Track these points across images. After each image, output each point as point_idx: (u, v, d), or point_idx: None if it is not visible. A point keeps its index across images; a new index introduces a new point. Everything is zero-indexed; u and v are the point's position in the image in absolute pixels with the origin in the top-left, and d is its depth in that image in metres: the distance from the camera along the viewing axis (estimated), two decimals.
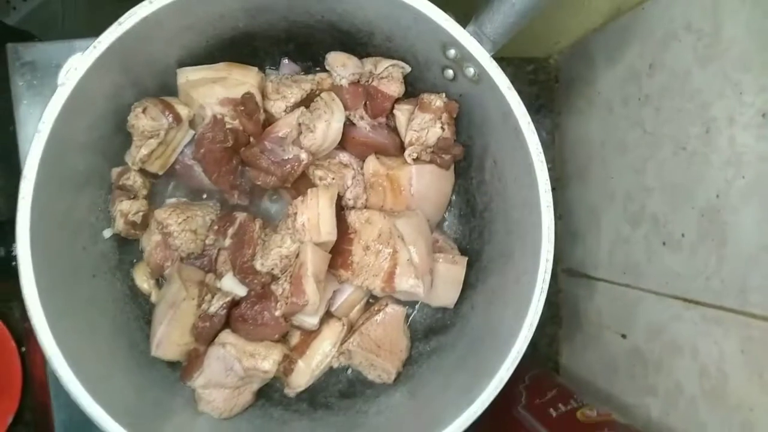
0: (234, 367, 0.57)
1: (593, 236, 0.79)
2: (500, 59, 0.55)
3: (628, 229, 0.71)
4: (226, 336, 0.59)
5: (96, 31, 0.50)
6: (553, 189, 0.87)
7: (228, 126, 0.57)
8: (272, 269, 0.57)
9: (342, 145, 0.62)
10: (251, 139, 0.60)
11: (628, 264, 0.71)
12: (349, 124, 0.60)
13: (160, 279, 0.63)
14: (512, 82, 0.88)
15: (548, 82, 0.88)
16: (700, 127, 0.58)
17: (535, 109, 0.88)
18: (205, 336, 0.58)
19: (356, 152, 0.61)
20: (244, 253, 0.58)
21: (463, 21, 0.52)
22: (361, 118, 0.60)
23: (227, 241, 0.59)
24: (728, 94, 0.54)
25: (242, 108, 0.57)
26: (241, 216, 0.61)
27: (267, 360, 0.58)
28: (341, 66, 0.59)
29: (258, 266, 0.58)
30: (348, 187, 0.61)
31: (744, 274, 0.53)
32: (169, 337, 0.57)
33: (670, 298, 0.63)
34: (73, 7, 1.51)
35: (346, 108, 0.59)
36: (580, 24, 0.79)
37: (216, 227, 0.61)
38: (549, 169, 0.86)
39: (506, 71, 0.87)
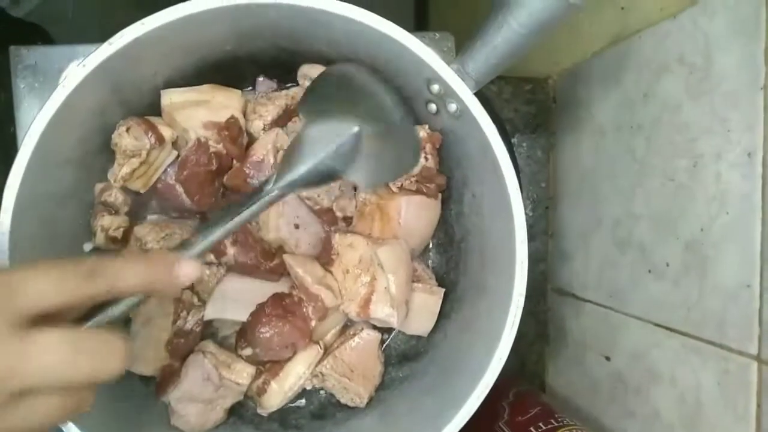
0: (211, 376, 0.58)
1: (582, 257, 0.80)
2: (499, 78, 0.56)
3: (616, 254, 0.72)
4: (207, 345, 0.60)
5: (105, 26, 0.50)
6: (546, 208, 0.89)
7: (212, 149, 0.58)
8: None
9: None
10: (234, 162, 0.60)
11: (614, 288, 0.72)
12: None
13: None
14: (510, 101, 0.90)
15: (546, 101, 0.89)
16: (687, 160, 0.59)
17: (531, 128, 0.89)
18: (180, 352, 0.59)
19: None
20: (256, 255, 0.60)
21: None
22: None
23: (231, 250, 0.60)
24: (716, 130, 0.55)
25: (226, 133, 0.58)
26: None
27: (242, 373, 0.59)
28: (303, 77, 0.61)
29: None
30: (335, 198, 0.62)
31: (723, 309, 0.54)
32: (144, 352, 0.58)
33: (653, 325, 0.64)
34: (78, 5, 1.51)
35: None
36: (580, 48, 0.80)
37: None
38: (542, 189, 0.89)
39: (505, 90, 0.89)
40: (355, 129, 0.50)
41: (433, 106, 0.57)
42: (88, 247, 0.60)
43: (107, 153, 0.58)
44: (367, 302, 0.59)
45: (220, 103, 0.58)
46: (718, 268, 0.55)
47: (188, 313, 0.59)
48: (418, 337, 0.68)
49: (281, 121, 0.61)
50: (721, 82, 0.55)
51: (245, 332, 0.60)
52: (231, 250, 0.59)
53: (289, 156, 0.49)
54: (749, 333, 0.51)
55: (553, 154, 0.89)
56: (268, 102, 0.60)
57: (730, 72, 0.54)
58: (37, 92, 0.66)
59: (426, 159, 0.60)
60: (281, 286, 0.61)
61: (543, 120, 0.89)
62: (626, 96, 0.70)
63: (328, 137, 0.50)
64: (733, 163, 0.53)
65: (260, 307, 0.59)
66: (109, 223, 0.58)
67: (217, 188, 0.60)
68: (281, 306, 0.59)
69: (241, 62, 0.61)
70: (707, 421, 0.56)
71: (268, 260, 0.60)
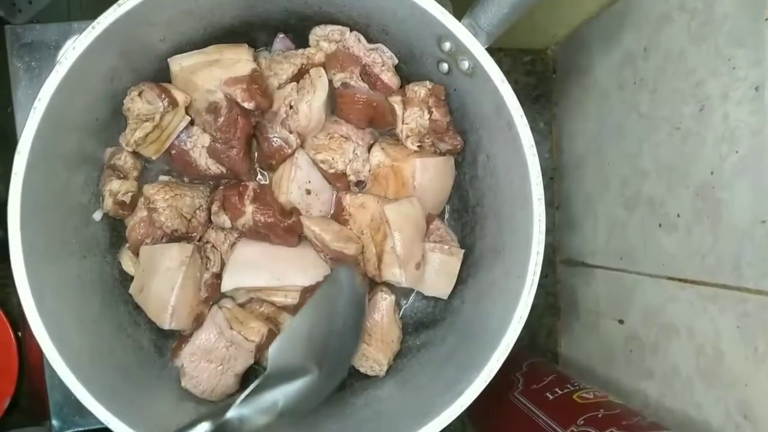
0: (224, 330, 0.57)
1: (590, 224, 0.79)
2: (498, 50, 0.55)
3: (625, 214, 0.71)
4: (226, 301, 0.60)
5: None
6: (551, 179, 0.88)
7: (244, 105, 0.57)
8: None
9: (339, 109, 0.62)
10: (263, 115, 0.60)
11: (625, 249, 0.71)
12: (344, 88, 0.60)
13: None
14: (510, 72, 0.89)
15: (545, 72, 0.89)
16: (694, 105, 0.58)
17: (532, 99, 0.89)
18: (216, 291, 0.59)
19: (354, 117, 0.61)
20: (274, 212, 0.59)
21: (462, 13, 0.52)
22: (359, 79, 0.60)
23: (249, 207, 0.59)
24: (722, 70, 0.55)
25: (255, 86, 0.57)
26: (252, 184, 0.61)
27: (253, 330, 0.58)
28: (316, 39, 0.60)
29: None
30: (349, 162, 0.61)
31: (738, 250, 0.53)
32: (184, 300, 0.57)
33: (666, 280, 0.63)
34: (79, 9, 1.52)
35: (341, 70, 0.60)
36: (577, 14, 0.80)
37: (220, 203, 0.61)
38: (546, 160, 0.88)
39: (504, 62, 0.89)
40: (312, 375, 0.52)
41: (445, 66, 0.56)
42: (98, 215, 0.59)
43: (117, 121, 0.58)
44: (380, 262, 0.58)
45: (231, 60, 0.57)
46: (731, 209, 0.54)
47: (209, 261, 0.60)
48: (435, 305, 0.66)
49: (294, 79, 0.60)
50: (724, 22, 0.54)
51: None
52: (249, 208, 0.59)
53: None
54: (767, 270, 0.50)
55: (556, 124, 0.88)
56: (284, 60, 0.60)
57: (732, 9, 0.53)
58: (34, 71, 0.66)
59: (431, 113, 0.59)
60: (298, 251, 0.60)
61: (544, 91, 0.88)
62: (627, 53, 0.69)
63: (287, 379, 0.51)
64: (741, 100, 0.53)
65: None
66: (117, 188, 0.58)
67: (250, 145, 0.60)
68: None
69: (249, 27, 0.60)
70: (728, 369, 0.55)
71: (285, 218, 0.59)
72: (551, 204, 0.88)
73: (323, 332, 0.54)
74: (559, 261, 0.88)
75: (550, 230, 0.88)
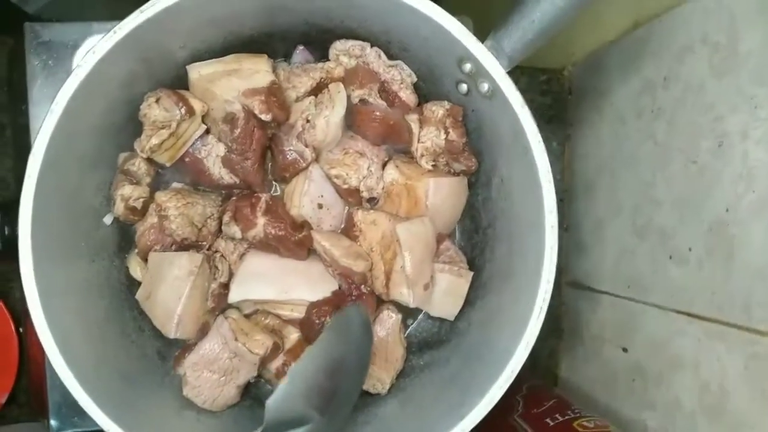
0: (228, 341, 0.57)
1: (599, 249, 0.79)
2: (515, 67, 0.54)
3: (635, 242, 0.70)
4: (232, 312, 0.60)
5: (116, 18, 0.50)
6: (561, 200, 0.88)
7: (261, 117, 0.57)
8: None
9: (355, 125, 0.61)
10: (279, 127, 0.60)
11: (633, 277, 0.71)
12: (362, 104, 0.60)
13: None
14: (526, 92, 0.88)
15: (561, 93, 0.88)
16: (712, 140, 0.58)
17: (546, 119, 0.88)
18: (223, 301, 0.59)
19: (370, 133, 0.61)
20: (285, 226, 0.59)
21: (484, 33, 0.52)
22: (377, 96, 0.60)
23: (261, 220, 0.59)
24: (742, 108, 0.54)
25: (274, 99, 0.57)
26: (264, 196, 0.61)
27: (258, 343, 0.58)
28: (336, 53, 0.60)
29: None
30: (363, 178, 0.61)
31: (750, 290, 0.53)
32: (191, 310, 0.56)
33: (674, 313, 0.63)
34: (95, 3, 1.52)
35: (360, 87, 0.59)
36: (597, 37, 0.80)
37: (232, 214, 0.60)
38: (557, 180, 0.87)
39: (520, 80, 0.88)
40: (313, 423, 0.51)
41: (464, 86, 0.56)
42: (108, 219, 0.59)
43: (133, 126, 0.57)
44: (388, 281, 0.58)
45: (250, 69, 0.57)
46: (744, 248, 0.53)
47: (218, 270, 0.59)
48: (440, 325, 0.66)
49: (312, 93, 0.60)
50: (747, 59, 0.54)
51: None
52: (261, 220, 0.58)
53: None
54: None
55: (569, 146, 0.88)
56: (303, 73, 0.59)
57: (756, 48, 0.53)
58: (51, 69, 0.65)
59: (447, 133, 0.59)
60: (307, 265, 0.60)
61: (558, 111, 0.88)
62: (646, 81, 0.69)
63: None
64: (761, 140, 0.52)
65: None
66: (129, 193, 0.57)
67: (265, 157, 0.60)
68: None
69: (270, 38, 0.60)
70: (733, 409, 0.54)
71: (296, 231, 0.59)
72: (560, 225, 0.86)
73: (327, 378, 0.53)
74: (565, 283, 0.87)
75: (557, 252, 0.88)
